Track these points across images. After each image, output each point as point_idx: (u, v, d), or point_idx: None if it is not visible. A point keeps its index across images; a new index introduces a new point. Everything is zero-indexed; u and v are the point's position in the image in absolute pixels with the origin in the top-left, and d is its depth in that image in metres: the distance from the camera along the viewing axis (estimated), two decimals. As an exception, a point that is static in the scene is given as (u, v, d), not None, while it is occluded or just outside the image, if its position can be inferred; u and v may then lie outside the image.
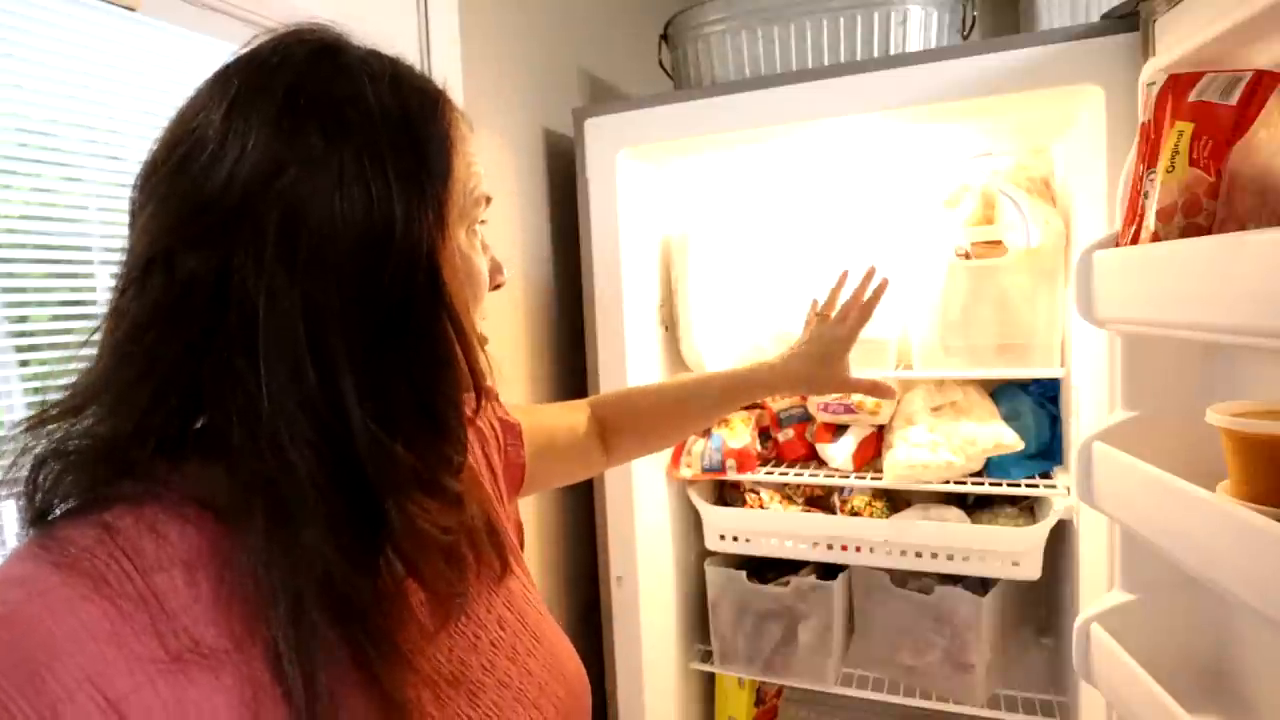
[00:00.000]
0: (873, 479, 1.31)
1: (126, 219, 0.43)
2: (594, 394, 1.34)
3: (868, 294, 0.93)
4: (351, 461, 0.39)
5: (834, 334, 0.91)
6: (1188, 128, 0.68)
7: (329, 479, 0.39)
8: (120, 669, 0.35)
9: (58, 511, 0.39)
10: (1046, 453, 1.32)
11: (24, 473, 0.39)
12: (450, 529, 0.46)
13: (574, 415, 0.85)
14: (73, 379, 0.40)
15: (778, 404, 1.50)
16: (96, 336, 0.41)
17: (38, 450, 0.39)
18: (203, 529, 0.39)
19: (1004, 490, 1.24)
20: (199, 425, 0.41)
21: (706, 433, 1.48)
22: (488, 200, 0.49)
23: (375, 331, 0.40)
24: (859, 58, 1.21)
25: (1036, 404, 1.34)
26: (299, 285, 0.38)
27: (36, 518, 0.39)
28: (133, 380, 0.39)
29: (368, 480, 0.40)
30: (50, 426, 0.39)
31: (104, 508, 0.38)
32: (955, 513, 1.31)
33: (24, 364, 0.74)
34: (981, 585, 1.31)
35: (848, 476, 1.34)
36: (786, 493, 1.46)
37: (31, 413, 0.40)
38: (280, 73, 0.41)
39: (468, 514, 0.48)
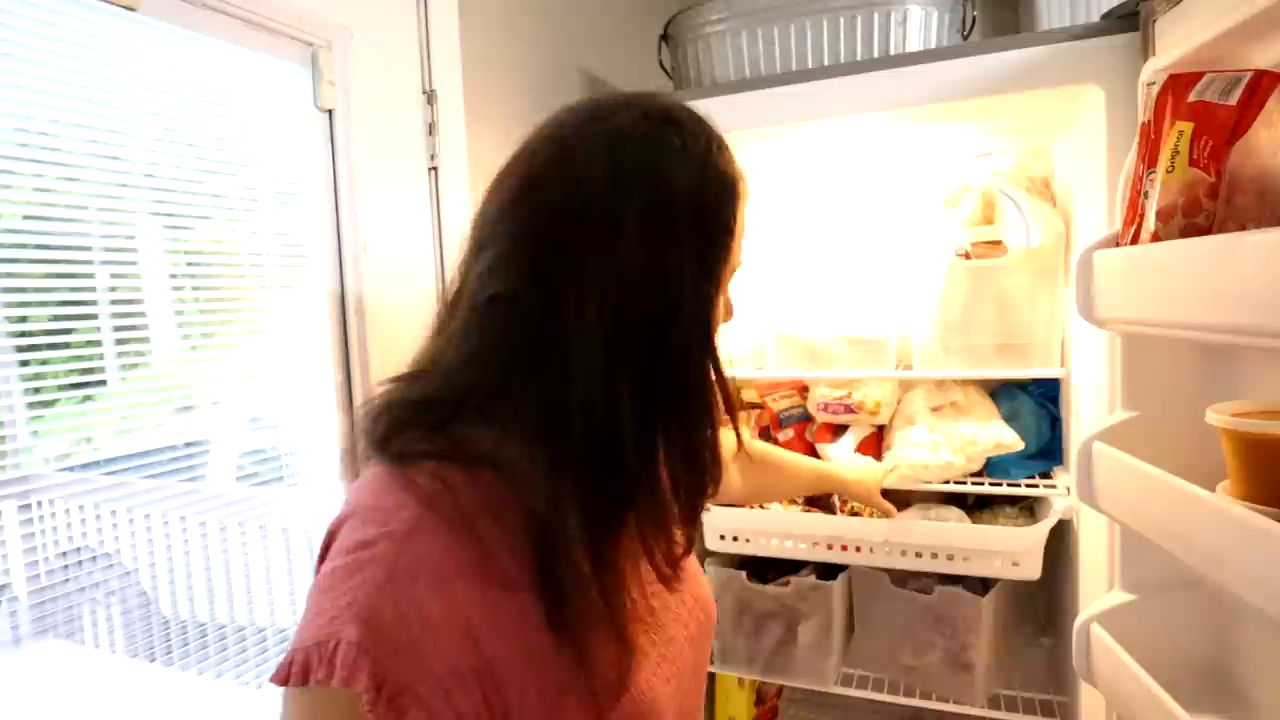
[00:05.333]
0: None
1: (468, 235, 0.56)
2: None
3: None
4: (615, 450, 0.50)
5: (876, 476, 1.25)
6: (1188, 128, 0.68)
7: (594, 457, 0.50)
8: (459, 581, 0.47)
9: (390, 447, 0.52)
10: (1046, 453, 1.32)
11: (370, 413, 0.54)
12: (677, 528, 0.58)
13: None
14: (418, 359, 0.56)
15: (778, 404, 1.50)
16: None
17: (378, 402, 0.54)
18: (482, 482, 0.51)
19: (1004, 490, 1.24)
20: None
21: (706, 433, 1.47)
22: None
23: (653, 372, 0.51)
24: (859, 58, 1.21)
25: (1036, 404, 1.34)
26: (606, 333, 0.49)
27: (377, 444, 0.53)
28: (462, 363, 0.52)
29: (624, 464, 0.51)
30: (391, 387, 0.55)
31: (423, 460, 0.51)
32: (955, 513, 1.31)
33: (24, 364, 0.74)
34: (981, 585, 1.31)
35: (848, 476, 1.34)
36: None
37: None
38: (619, 152, 0.52)
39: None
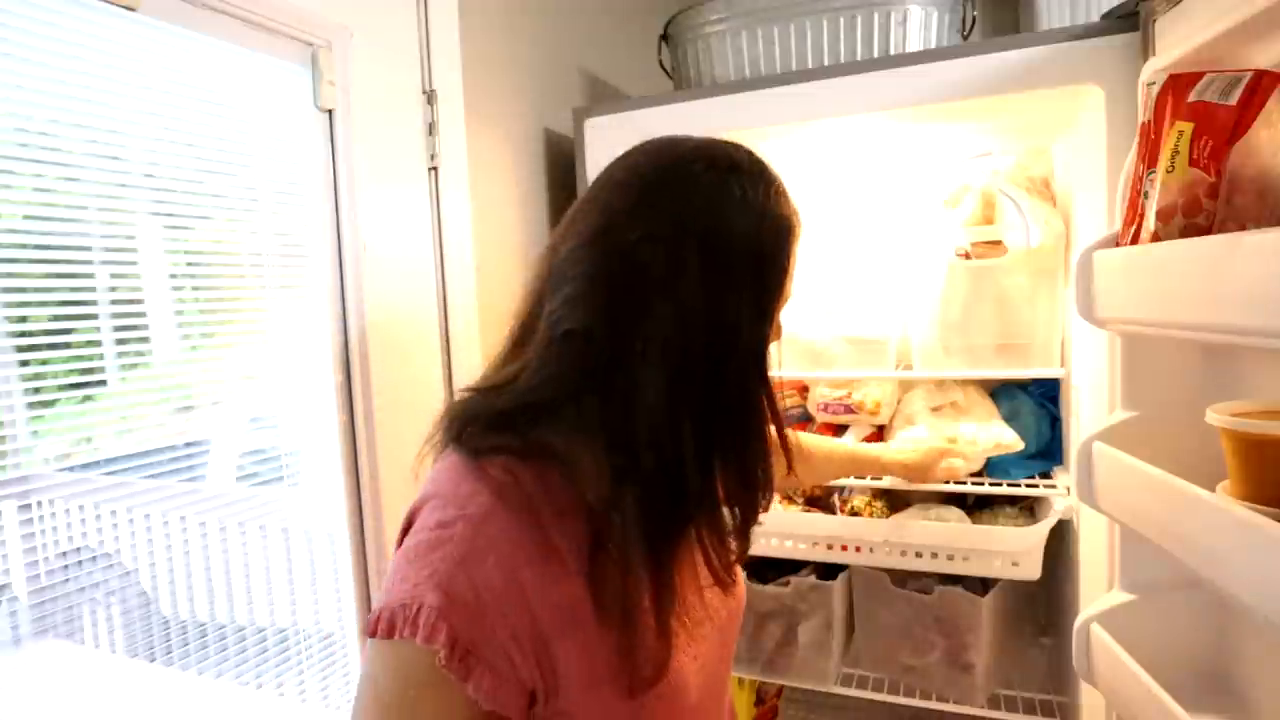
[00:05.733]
0: (872, 479, 1.31)
1: (542, 266, 0.61)
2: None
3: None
4: (678, 477, 0.55)
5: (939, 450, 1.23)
6: (1188, 128, 0.68)
7: (658, 480, 0.55)
8: (525, 567, 0.52)
9: (465, 441, 0.58)
10: (1046, 453, 1.32)
11: (447, 413, 0.60)
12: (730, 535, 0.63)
13: None
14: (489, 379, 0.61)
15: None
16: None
17: (455, 406, 0.60)
18: (549, 479, 0.56)
19: (1004, 490, 1.24)
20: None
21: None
22: None
23: (712, 406, 0.56)
24: (859, 58, 1.21)
25: (1036, 404, 1.34)
26: (669, 372, 0.54)
27: (453, 438, 0.58)
28: (537, 386, 0.56)
29: (686, 487, 0.56)
30: (468, 395, 0.60)
31: (495, 454, 0.56)
32: (955, 513, 1.31)
33: (24, 364, 0.74)
34: (981, 585, 1.30)
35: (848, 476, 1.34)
36: (786, 492, 1.46)
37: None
38: (686, 200, 0.57)
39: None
